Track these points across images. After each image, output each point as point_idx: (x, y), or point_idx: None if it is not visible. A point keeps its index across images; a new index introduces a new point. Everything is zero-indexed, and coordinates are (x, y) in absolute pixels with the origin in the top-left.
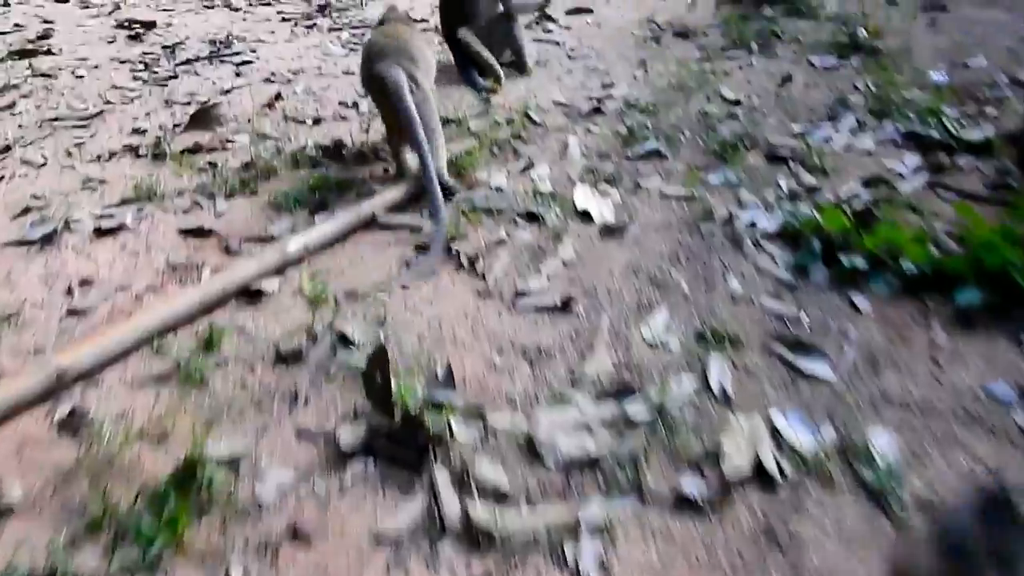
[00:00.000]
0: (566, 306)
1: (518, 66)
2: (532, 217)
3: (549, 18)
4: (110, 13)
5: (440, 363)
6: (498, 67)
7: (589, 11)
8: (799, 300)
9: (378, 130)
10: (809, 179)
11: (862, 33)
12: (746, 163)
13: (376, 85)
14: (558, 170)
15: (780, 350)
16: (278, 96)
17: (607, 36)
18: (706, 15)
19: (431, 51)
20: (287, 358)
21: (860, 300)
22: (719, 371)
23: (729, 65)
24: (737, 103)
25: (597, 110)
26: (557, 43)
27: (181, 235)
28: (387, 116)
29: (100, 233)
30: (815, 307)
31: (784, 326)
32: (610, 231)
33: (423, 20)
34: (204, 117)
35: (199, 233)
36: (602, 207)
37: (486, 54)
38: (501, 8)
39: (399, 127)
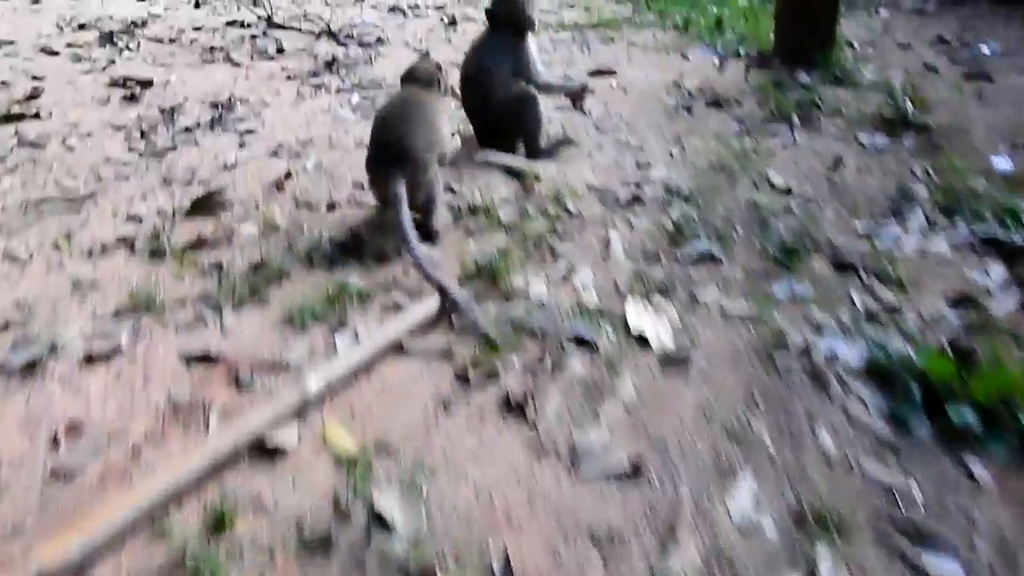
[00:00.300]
0: (636, 471)
1: (529, 149)
2: (582, 341)
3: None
4: (104, 69)
5: (495, 553)
6: (529, 166)
7: (612, 73)
8: (905, 466)
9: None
10: (886, 295)
11: (908, 106)
12: (811, 271)
13: (378, 178)
14: (603, 275)
15: (897, 541)
16: (288, 175)
17: (635, 103)
18: (736, 79)
19: (447, 124)
20: (313, 544)
21: (977, 467)
22: (831, 574)
23: (771, 143)
24: (788, 191)
25: (636, 198)
26: (582, 111)
27: (183, 361)
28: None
29: (91, 359)
30: (926, 476)
31: (895, 503)
32: (672, 362)
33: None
34: (207, 203)
35: (204, 359)
36: (659, 328)
37: (514, 162)
38: (525, 87)
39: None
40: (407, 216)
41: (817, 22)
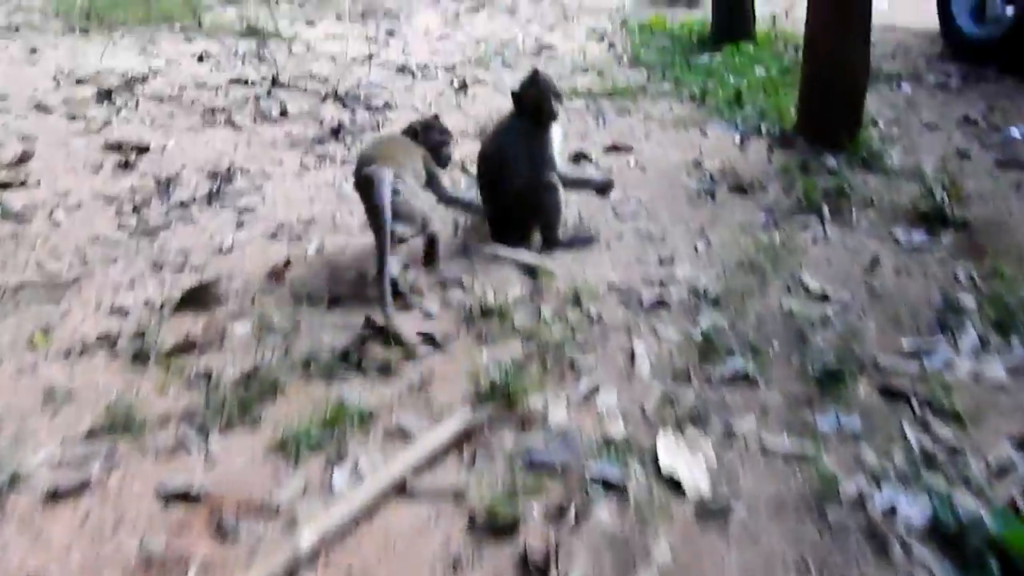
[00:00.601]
0: None
1: (547, 239)
2: (609, 484)
3: (586, 158)
4: (99, 130)
5: None
6: (543, 263)
7: (629, 149)
8: None
9: (402, 322)
10: (944, 432)
11: (943, 197)
12: (857, 398)
13: (361, 186)
14: (628, 397)
15: None
16: (287, 263)
17: (654, 185)
18: (759, 160)
19: (422, 164)
20: None
21: None
22: None
23: (802, 237)
24: (824, 297)
25: (661, 301)
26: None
27: (161, 500)
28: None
29: (57, 496)
30: None
31: None
32: (710, 513)
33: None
34: (199, 296)
35: (185, 497)
36: (693, 469)
37: (529, 258)
38: (546, 176)
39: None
40: (386, 202)
41: (844, 99)
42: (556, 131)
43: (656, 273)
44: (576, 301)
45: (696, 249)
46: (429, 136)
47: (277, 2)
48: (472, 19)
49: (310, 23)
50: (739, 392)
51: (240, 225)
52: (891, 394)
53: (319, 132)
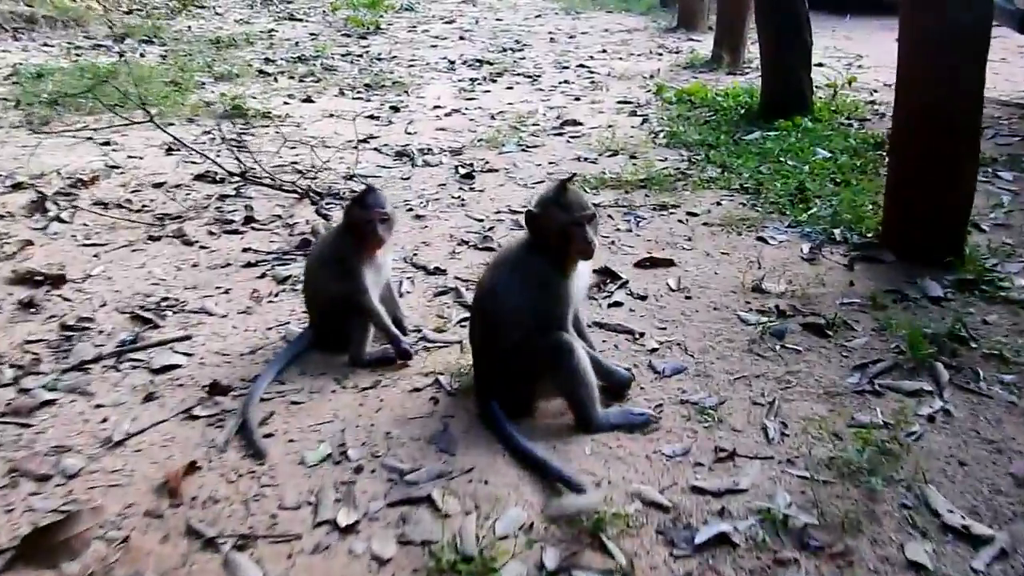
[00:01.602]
0: None
1: (580, 419)
2: None
3: (613, 277)
4: (14, 254)
5: None
6: (575, 477)
7: (668, 263)
8: None
9: None
10: None
11: None
12: None
13: None
14: None
15: None
16: (190, 469)
17: (701, 320)
18: (837, 283)
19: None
20: None
21: None
22: None
23: (915, 415)
24: (970, 537)
25: (722, 537)
26: (631, 333)
27: None
28: None
29: None
30: None
31: None
32: None
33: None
34: (47, 542)
35: None
36: None
37: (554, 466)
38: (557, 335)
39: None
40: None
41: (946, 200)
42: (584, 272)
43: (712, 481)
44: (595, 537)
45: (767, 435)
46: (350, 213)
47: (276, 78)
48: (489, 89)
49: (307, 99)
50: None
51: (150, 397)
52: None
53: (287, 244)
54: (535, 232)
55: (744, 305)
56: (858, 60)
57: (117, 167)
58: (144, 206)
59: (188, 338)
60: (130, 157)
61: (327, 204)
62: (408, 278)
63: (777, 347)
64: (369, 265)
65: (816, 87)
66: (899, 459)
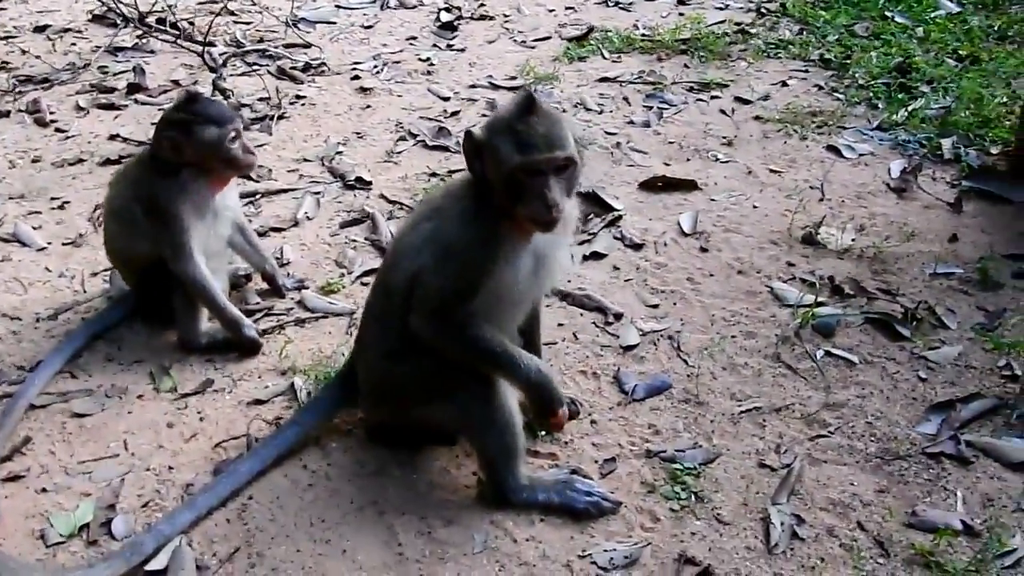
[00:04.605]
0: None
1: (487, 482)
2: None
3: (602, 204)
4: None
5: None
6: None
7: (690, 187)
8: None
9: None
10: None
11: None
12: None
13: None
14: None
15: None
16: None
17: (714, 289)
18: (930, 227)
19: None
20: None
21: None
22: None
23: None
24: None
25: None
26: (602, 311)
27: None
28: None
29: None
30: None
31: None
32: None
33: None
34: None
35: None
36: None
37: None
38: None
39: None
40: None
41: None
42: (552, 245)
43: None
44: None
45: (767, 539)
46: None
47: None
48: None
49: None
50: None
51: None
52: None
53: None
54: (475, 170)
55: (784, 269)
56: None
57: None
58: (5, 62)
59: None
60: None
61: (251, 67)
62: (316, 193)
63: (819, 353)
64: (198, 213)
65: None
66: None
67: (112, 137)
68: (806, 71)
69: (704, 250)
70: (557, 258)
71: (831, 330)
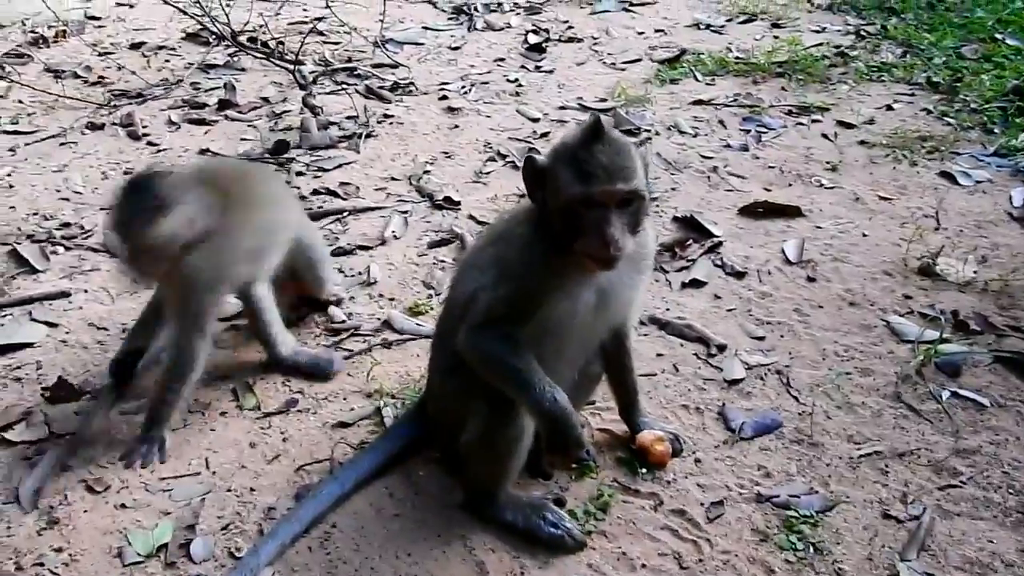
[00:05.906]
0: None
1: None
2: None
3: (701, 230)
4: None
5: None
6: None
7: (794, 213)
8: None
9: None
10: None
11: None
12: None
13: None
14: None
15: None
16: None
17: (824, 322)
18: None
19: None
20: None
21: None
22: None
23: None
24: None
25: None
26: (704, 343)
27: None
28: None
29: None
30: None
31: None
32: None
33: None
34: None
35: None
36: None
37: None
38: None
39: None
40: None
41: None
42: (619, 283)
43: None
44: None
45: None
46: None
47: None
48: None
49: None
50: None
51: None
52: None
53: (259, 144)
54: (536, 199)
55: (900, 301)
56: None
57: (96, 18)
58: (102, 77)
59: (65, 295)
60: (119, 4)
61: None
62: (404, 212)
63: (945, 394)
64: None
65: None
66: None
67: (202, 151)
68: (912, 94)
69: (812, 280)
70: (625, 296)
71: (957, 369)
